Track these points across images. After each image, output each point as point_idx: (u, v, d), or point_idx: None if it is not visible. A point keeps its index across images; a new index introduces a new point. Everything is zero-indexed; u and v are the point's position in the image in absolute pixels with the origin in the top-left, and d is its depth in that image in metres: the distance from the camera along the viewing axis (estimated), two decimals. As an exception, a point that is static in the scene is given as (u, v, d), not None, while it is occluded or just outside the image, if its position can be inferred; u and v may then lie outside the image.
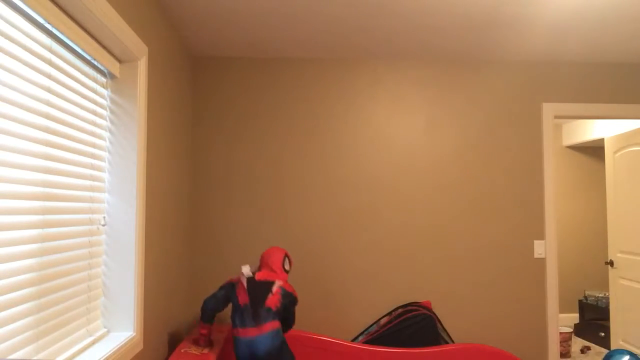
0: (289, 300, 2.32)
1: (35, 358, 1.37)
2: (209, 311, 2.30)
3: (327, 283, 3.04)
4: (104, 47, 1.79)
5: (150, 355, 2.14)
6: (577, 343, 4.59)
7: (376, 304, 3.04)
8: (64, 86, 1.54)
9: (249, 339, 2.14)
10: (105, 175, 1.91)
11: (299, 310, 3.02)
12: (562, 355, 4.12)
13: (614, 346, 3.81)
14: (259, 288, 2.26)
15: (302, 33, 2.67)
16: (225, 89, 3.08)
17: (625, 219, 3.69)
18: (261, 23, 2.53)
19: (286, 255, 2.43)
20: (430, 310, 2.93)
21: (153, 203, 2.21)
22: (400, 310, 2.95)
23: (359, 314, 3.03)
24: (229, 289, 2.32)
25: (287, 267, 2.41)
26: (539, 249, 3.09)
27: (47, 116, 1.43)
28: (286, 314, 2.35)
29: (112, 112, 1.93)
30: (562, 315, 5.20)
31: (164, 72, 2.37)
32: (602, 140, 4.80)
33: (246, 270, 2.29)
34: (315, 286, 3.04)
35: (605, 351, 4.31)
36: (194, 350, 2.23)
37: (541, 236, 3.10)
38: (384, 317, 3.00)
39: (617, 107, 3.15)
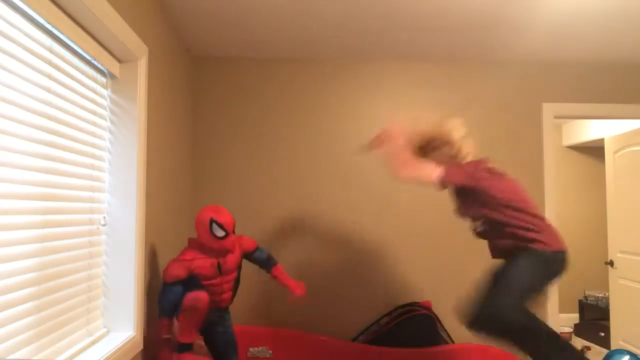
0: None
1: (35, 358, 1.37)
2: None
3: (327, 283, 3.04)
4: (104, 47, 1.79)
5: (150, 355, 2.13)
6: (577, 343, 4.59)
7: (376, 304, 3.04)
8: (64, 86, 1.54)
9: None
10: (105, 176, 1.91)
11: (298, 308, 3.02)
12: (562, 355, 4.11)
13: (614, 346, 3.81)
14: None
15: (303, 33, 2.67)
16: (225, 89, 3.08)
17: (625, 219, 3.69)
18: (261, 23, 2.53)
19: (212, 220, 2.02)
20: (430, 310, 2.93)
21: (153, 203, 2.21)
22: (400, 310, 2.95)
23: (359, 314, 3.03)
24: None
25: (218, 233, 2.02)
26: (539, 249, 3.09)
27: (47, 116, 1.43)
28: None
29: (112, 112, 1.93)
30: (562, 315, 5.20)
31: (164, 72, 2.37)
32: (602, 140, 4.79)
33: None
34: (315, 286, 3.03)
35: (605, 351, 4.31)
36: None
37: (541, 236, 3.10)
38: (384, 317, 3.00)
39: (617, 107, 3.15)
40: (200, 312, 1.97)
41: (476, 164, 2.04)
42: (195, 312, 1.95)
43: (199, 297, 1.95)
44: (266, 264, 2.34)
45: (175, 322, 2.02)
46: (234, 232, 2.09)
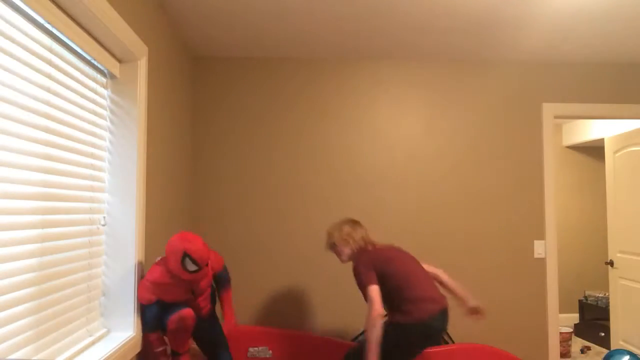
0: None
1: (35, 358, 1.37)
2: None
3: (328, 282, 3.04)
4: (104, 47, 1.79)
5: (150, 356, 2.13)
6: (577, 343, 4.59)
7: (376, 304, 3.04)
8: (64, 86, 1.54)
9: None
10: (105, 175, 1.91)
11: (298, 308, 3.02)
12: (562, 355, 4.12)
13: (614, 346, 3.81)
14: None
15: (303, 33, 2.67)
16: (225, 89, 3.08)
17: (625, 219, 3.69)
18: (261, 23, 2.53)
19: (185, 254, 1.82)
20: (430, 310, 2.93)
21: (153, 203, 2.21)
22: (400, 310, 2.94)
23: (360, 313, 3.03)
24: None
25: (190, 267, 1.84)
26: (539, 249, 3.09)
27: (47, 116, 1.43)
28: None
29: (112, 112, 1.93)
30: (562, 315, 5.20)
31: (164, 72, 2.37)
32: (602, 140, 4.80)
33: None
34: (316, 285, 3.03)
35: (605, 351, 4.31)
36: None
37: (541, 236, 3.10)
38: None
39: (617, 107, 3.15)
40: (189, 327, 1.91)
41: (364, 263, 2.26)
42: (183, 330, 1.91)
43: (183, 316, 1.87)
44: (224, 283, 2.27)
45: (162, 334, 1.96)
46: (206, 264, 1.92)
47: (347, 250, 2.38)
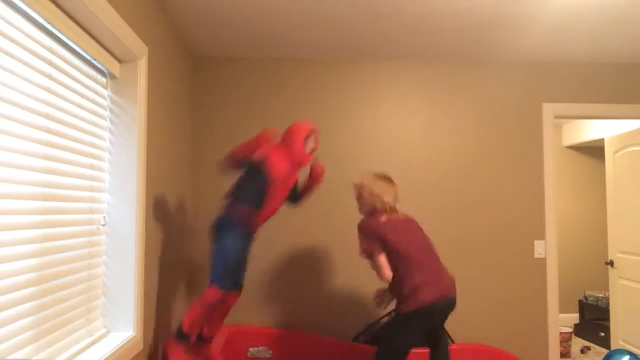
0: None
1: (35, 358, 1.37)
2: None
3: (328, 283, 3.04)
4: (104, 47, 1.79)
5: (150, 355, 2.13)
6: (577, 343, 4.58)
7: (376, 304, 3.04)
8: (64, 86, 1.54)
9: None
10: (105, 176, 1.91)
11: (298, 308, 3.02)
12: (562, 355, 4.11)
13: (614, 346, 3.81)
14: None
15: (303, 33, 2.67)
16: (225, 89, 3.08)
17: (625, 219, 3.69)
18: (261, 23, 2.53)
19: (311, 133, 2.13)
20: (430, 310, 2.93)
21: (153, 203, 2.20)
22: (400, 310, 2.94)
23: (360, 314, 3.03)
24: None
25: (309, 147, 2.14)
26: (539, 249, 3.09)
27: (47, 116, 1.43)
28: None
29: (112, 112, 1.93)
30: (562, 315, 5.20)
31: (164, 72, 2.37)
32: (602, 140, 4.79)
33: None
34: (316, 286, 3.03)
35: (605, 351, 4.30)
36: None
37: (541, 236, 3.10)
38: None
39: (617, 107, 3.15)
40: (228, 310, 2.13)
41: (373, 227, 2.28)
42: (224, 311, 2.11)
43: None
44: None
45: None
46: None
47: (367, 205, 2.37)
